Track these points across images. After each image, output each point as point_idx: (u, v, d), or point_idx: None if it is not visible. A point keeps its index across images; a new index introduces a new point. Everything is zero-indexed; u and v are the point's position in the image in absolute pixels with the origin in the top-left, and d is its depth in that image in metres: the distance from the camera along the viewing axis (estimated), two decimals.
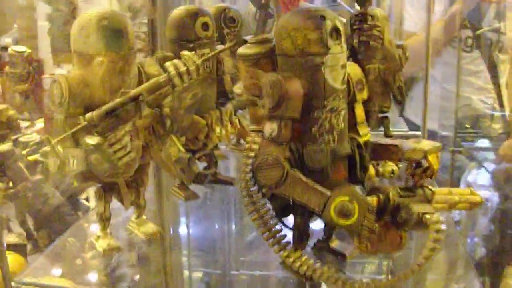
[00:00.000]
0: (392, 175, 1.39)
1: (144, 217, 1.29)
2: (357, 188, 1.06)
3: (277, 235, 1.03)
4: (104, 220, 1.23)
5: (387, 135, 1.69)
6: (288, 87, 0.95)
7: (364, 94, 1.09)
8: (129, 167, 1.08)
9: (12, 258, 2.28)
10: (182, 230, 1.88)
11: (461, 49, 2.66)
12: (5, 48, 3.33)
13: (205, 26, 1.37)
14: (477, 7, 2.66)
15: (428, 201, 1.04)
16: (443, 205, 1.08)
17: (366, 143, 1.09)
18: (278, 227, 1.04)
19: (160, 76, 1.08)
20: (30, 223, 2.64)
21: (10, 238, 2.58)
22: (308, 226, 1.06)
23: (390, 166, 1.38)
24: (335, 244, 1.14)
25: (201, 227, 1.94)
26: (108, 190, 1.20)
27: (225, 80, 1.44)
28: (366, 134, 1.11)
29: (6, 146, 2.45)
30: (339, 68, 1.00)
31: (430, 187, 1.06)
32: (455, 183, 2.57)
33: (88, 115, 1.05)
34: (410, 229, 1.00)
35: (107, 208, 1.22)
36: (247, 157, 0.99)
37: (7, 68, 3.09)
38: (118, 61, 1.10)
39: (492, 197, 2.31)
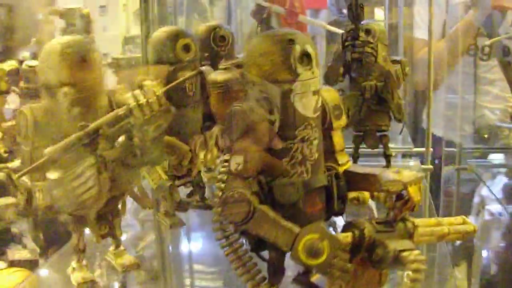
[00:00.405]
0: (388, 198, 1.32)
1: (121, 248, 1.25)
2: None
3: (252, 271, 0.97)
4: (78, 251, 1.19)
5: (386, 154, 1.62)
6: (253, 117, 0.90)
7: (343, 121, 1.02)
8: (95, 201, 1.04)
9: (20, 275, 2.28)
10: (190, 246, 1.85)
11: (478, 57, 2.57)
12: (23, 62, 3.34)
13: (186, 48, 1.32)
14: (492, 14, 2.57)
15: (410, 235, 0.97)
16: (430, 238, 1.01)
17: (345, 172, 1.02)
18: (252, 262, 0.98)
19: (120, 109, 1.04)
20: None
21: (23, 254, 2.59)
22: (283, 260, 1.00)
23: None
24: (316, 278, 1.08)
25: (208, 243, 1.91)
26: (80, 221, 1.16)
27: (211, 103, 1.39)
28: (346, 162, 1.04)
29: (18, 162, 2.46)
30: (310, 95, 0.93)
31: (412, 220, 0.99)
32: (470, 196, 2.49)
33: (48, 149, 1.01)
34: (388, 267, 0.93)
35: (81, 240, 1.18)
36: (218, 189, 0.94)
37: (21, 84, 3.09)
38: (83, 91, 1.06)
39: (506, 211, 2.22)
